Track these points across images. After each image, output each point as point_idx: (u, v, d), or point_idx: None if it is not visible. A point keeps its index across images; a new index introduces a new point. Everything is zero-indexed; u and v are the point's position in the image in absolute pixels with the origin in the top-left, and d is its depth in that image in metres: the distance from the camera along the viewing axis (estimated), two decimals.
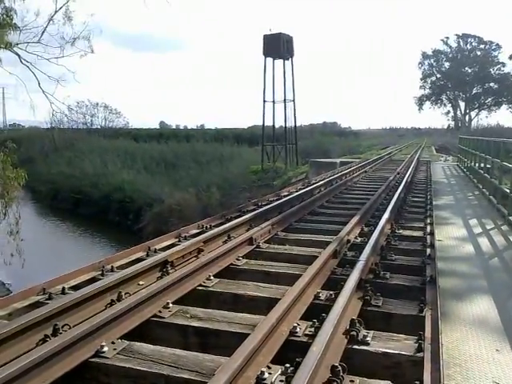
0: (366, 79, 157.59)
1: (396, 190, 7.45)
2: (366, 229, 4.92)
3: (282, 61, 28.89)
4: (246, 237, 4.17)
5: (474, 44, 65.39)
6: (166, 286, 2.82)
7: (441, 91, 70.30)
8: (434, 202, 6.97)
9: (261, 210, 5.55)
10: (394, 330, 2.45)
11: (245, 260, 3.76)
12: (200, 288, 3.08)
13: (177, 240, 4.35)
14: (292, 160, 27.47)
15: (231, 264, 3.64)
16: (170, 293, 2.82)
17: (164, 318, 2.55)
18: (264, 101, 28.83)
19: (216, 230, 4.33)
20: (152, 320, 2.51)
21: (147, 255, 3.74)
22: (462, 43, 65.57)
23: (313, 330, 2.32)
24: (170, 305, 2.68)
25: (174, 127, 73.24)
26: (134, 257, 3.73)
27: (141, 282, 2.96)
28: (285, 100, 27.85)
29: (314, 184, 9.02)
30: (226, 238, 4.20)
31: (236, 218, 5.12)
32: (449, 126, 74.63)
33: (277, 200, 6.68)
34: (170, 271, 3.23)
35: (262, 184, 21.81)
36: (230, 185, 20.46)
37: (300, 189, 8.45)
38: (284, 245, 4.37)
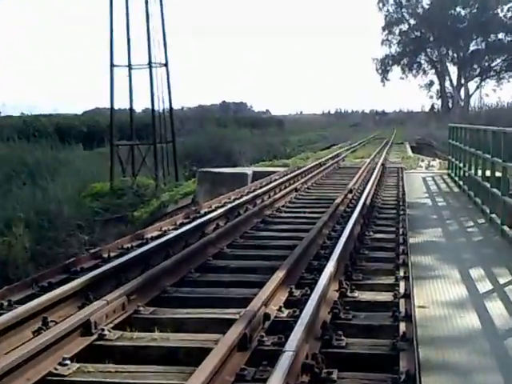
0: (294, 38, 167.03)
1: (347, 222, 7.84)
2: (296, 292, 5.10)
3: None
4: (79, 320, 4.22)
5: None
6: None
7: (417, 48, 74.80)
8: (409, 241, 7.43)
9: (108, 266, 5.57)
10: None
11: (76, 365, 3.78)
12: None
13: None
14: (167, 171, 27.63)
15: (49, 374, 3.66)
16: None
17: None
18: (112, 65, 28.83)
19: (20, 310, 4.33)
20: None
21: None
22: None
23: None
24: None
25: None
26: None
27: None
28: (150, 63, 28.08)
29: (206, 214, 9.09)
30: (39, 324, 4.27)
31: (60, 284, 5.27)
32: (432, 107, 78.98)
33: (139, 247, 6.71)
34: None
35: (111, 217, 21.45)
36: (51, 220, 19.95)
37: (181, 224, 8.50)
38: (151, 331, 4.46)
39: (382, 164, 19.55)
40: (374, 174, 15.26)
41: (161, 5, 29.24)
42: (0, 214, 20.08)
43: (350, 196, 11.26)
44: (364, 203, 9.64)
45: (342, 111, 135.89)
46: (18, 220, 18.74)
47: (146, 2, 28.45)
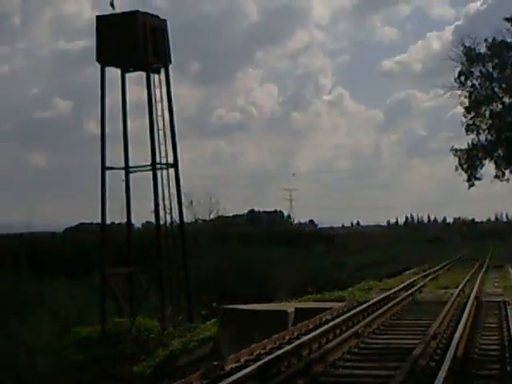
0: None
1: None
2: None
3: (143, 74, 30.41)
4: None
5: None
6: None
7: None
8: None
9: None
10: None
11: None
12: None
13: None
14: (178, 308, 27.48)
15: None
16: None
17: None
18: (104, 167, 29.55)
19: None
20: None
21: None
22: None
23: None
24: None
25: None
26: None
27: None
28: (154, 163, 28.70)
29: (232, 373, 8.91)
30: None
31: None
32: None
33: None
34: None
35: (101, 376, 21.25)
36: (20, 378, 19.97)
37: None
38: None
39: (476, 297, 19.22)
40: (466, 311, 14.94)
41: (168, 87, 30.32)
42: None
43: (433, 344, 11.01)
44: (454, 356, 9.41)
45: (416, 221, 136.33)
46: None
47: (149, 86, 29.37)
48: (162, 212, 28.61)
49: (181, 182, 29.44)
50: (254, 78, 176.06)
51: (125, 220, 30.48)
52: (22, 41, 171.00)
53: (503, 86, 76.39)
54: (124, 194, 29.78)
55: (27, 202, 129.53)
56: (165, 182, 28.59)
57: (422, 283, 26.08)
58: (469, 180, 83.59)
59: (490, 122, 79.23)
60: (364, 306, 16.86)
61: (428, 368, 9.25)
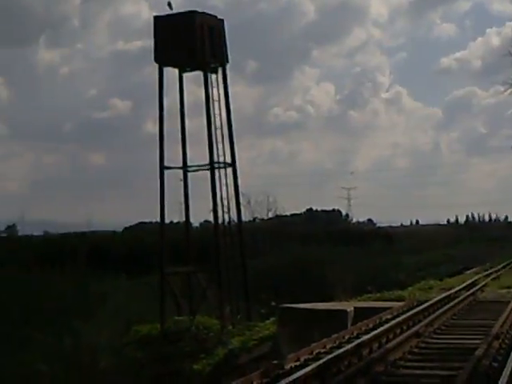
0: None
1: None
2: None
3: (201, 74, 30.57)
4: None
5: None
6: None
7: None
8: None
9: None
10: None
11: None
12: None
13: None
14: (237, 307, 27.54)
15: None
16: None
17: None
18: (163, 167, 29.81)
19: None
20: None
21: None
22: None
23: None
24: None
25: None
26: None
27: None
28: (212, 163, 28.84)
29: (292, 372, 8.90)
30: None
31: None
32: None
33: None
34: None
35: (161, 373, 21.41)
36: (84, 375, 20.22)
37: None
38: None
39: None
40: None
41: (225, 86, 30.41)
42: (17, 369, 20.39)
43: (495, 345, 10.86)
44: None
45: (477, 220, 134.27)
46: (39, 375, 18.99)
47: (206, 85, 29.47)
48: (220, 211, 28.76)
49: (239, 180, 29.56)
50: (311, 77, 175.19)
51: (183, 219, 30.74)
52: (81, 42, 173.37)
53: None
54: (182, 193, 30.02)
55: (87, 201, 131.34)
56: (223, 181, 28.76)
57: (483, 282, 25.74)
58: None
59: None
60: (425, 305, 16.72)
61: (491, 368, 9.11)
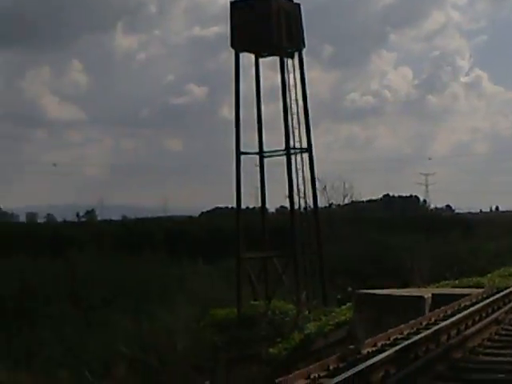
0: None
1: None
2: None
3: (277, 59, 30.56)
4: None
5: None
6: None
7: None
8: None
9: None
10: None
11: None
12: None
13: None
14: (313, 292, 27.57)
15: None
16: None
17: None
18: (239, 152, 29.95)
19: None
20: None
21: None
22: None
23: None
24: None
25: None
26: None
27: None
28: (288, 148, 28.84)
29: (368, 357, 8.86)
30: None
31: None
32: None
33: None
34: None
35: (237, 357, 21.56)
36: (161, 358, 20.49)
37: (335, 369, 8.32)
38: None
39: None
40: None
41: (301, 72, 30.35)
42: (98, 351, 20.79)
43: None
44: None
45: None
46: (119, 357, 19.30)
47: (282, 70, 29.46)
48: (295, 197, 28.77)
49: (314, 166, 29.49)
50: (389, 61, 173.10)
51: (259, 204, 30.83)
52: (158, 28, 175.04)
53: None
54: (258, 179, 30.09)
55: (164, 186, 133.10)
56: (298, 166, 28.74)
57: None
58: None
59: None
60: (505, 292, 16.45)
61: None
